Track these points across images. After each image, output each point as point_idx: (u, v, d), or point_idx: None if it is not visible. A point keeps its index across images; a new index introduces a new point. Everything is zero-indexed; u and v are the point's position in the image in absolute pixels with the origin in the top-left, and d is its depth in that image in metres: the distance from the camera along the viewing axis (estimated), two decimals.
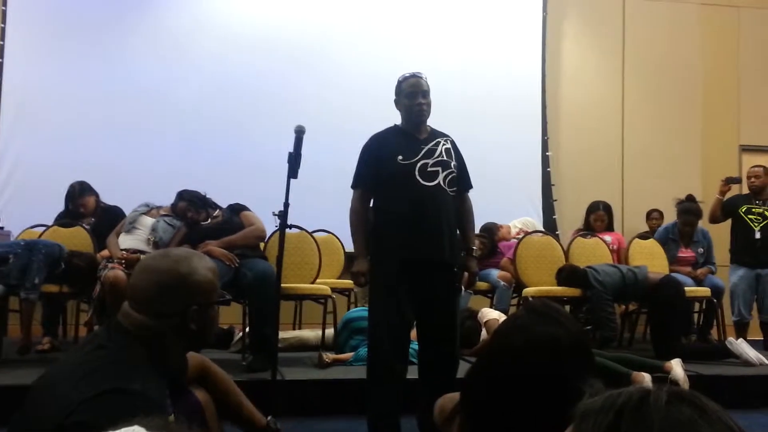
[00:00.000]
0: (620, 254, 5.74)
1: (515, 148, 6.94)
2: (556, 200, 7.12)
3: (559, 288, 5.08)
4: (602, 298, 4.89)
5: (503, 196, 6.44)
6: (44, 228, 5.05)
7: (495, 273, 5.39)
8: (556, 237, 6.13)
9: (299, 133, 3.29)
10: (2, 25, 6.50)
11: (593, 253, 5.50)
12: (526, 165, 7.05)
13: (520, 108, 7.06)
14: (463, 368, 3.45)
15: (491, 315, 4.64)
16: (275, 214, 3.25)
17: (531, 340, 1.33)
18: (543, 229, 6.35)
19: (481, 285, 5.32)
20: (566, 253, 5.49)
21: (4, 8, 6.52)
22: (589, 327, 5.05)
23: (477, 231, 5.04)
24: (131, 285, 1.61)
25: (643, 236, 6.12)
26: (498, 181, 6.41)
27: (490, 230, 5.76)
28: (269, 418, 2.22)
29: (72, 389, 1.33)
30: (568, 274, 5.08)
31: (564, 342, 1.32)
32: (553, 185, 7.14)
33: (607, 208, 6.02)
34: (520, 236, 5.65)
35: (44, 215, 5.28)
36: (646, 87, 7.48)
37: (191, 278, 1.55)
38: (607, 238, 5.78)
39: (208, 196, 4.69)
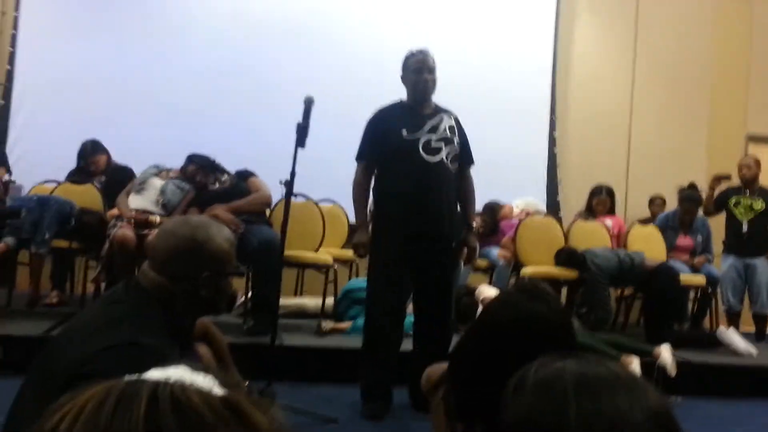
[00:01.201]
0: (620, 239, 5.81)
1: (522, 127, 6.95)
2: (561, 181, 7.16)
3: (557, 269, 5.16)
4: (598, 282, 4.97)
5: (507, 176, 6.48)
6: (56, 184, 5.15)
7: (495, 251, 5.47)
8: (559, 218, 6.19)
9: (308, 103, 3.36)
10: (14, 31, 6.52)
11: (593, 236, 5.56)
12: (532, 145, 7.08)
13: (529, 88, 7.06)
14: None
15: (489, 292, 4.73)
16: (282, 183, 3.33)
17: (517, 316, 1.38)
18: (545, 210, 6.41)
19: (481, 263, 5.41)
20: (566, 235, 5.56)
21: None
22: (584, 309, 5.15)
23: (479, 209, 5.12)
24: (152, 245, 1.70)
25: (645, 222, 6.18)
26: (503, 160, 6.43)
27: (492, 209, 5.82)
28: (247, 383, 2.32)
29: (87, 341, 1.42)
30: (566, 256, 5.16)
31: (548, 320, 1.37)
32: (559, 166, 7.19)
33: (610, 193, 6.06)
34: (522, 216, 5.72)
35: (56, 171, 5.38)
36: (657, 73, 7.47)
37: (207, 246, 1.63)
38: (608, 222, 5.85)
39: (216, 161, 4.76)
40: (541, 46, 7.21)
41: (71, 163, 5.36)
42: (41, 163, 5.77)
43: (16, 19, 6.47)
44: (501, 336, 1.37)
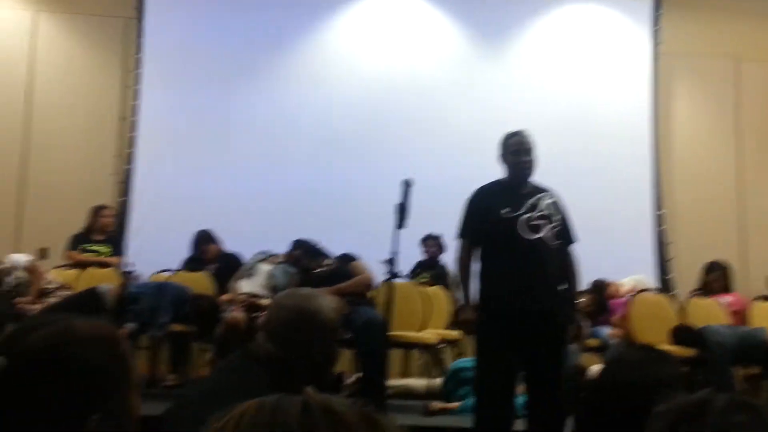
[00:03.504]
0: (740, 316, 5.48)
1: (625, 205, 6.82)
2: (672, 259, 6.90)
3: (674, 347, 4.90)
4: (720, 359, 4.68)
5: (613, 254, 6.30)
6: (172, 272, 5.43)
7: (605, 330, 5.28)
8: (673, 296, 5.94)
9: (407, 185, 3.44)
10: (138, 71, 7.03)
11: (710, 314, 5.27)
12: (636, 223, 6.90)
13: (631, 165, 6.95)
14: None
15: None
16: (383, 262, 3.39)
17: (648, 373, 1.36)
18: (655, 287, 6.16)
19: (591, 342, 5.22)
20: (681, 313, 5.31)
21: (139, 55, 7.05)
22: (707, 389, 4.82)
23: (585, 287, 4.99)
24: (266, 317, 1.79)
25: (765, 298, 5.81)
26: (608, 238, 6.30)
27: (599, 287, 5.65)
28: None
29: (204, 407, 1.48)
30: (683, 334, 4.91)
31: (675, 378, 1.35)
32: (670, 243, 6.94)
33: (725, 269, 5.78)
34: (632, 294, 5.53)
35: (170, 260, 5.68)
36: (765, 145, 7.19)
37: (317, 316, 1.71)
38: (726, 299, 5.55)
39: (320, 245, 4.93)
40: (639, 127, 7.13)
41: (186, 252, 5.67)
42: (158, 253, 6.11)
43: (134, 123, 7.02)
44: (632, 394, 1.34)
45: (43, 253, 6.17)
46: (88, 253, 5.59)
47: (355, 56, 7.17)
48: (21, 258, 5.10)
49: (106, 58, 7.13)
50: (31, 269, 4.99)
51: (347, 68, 7.12)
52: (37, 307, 4.59)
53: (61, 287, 5.02)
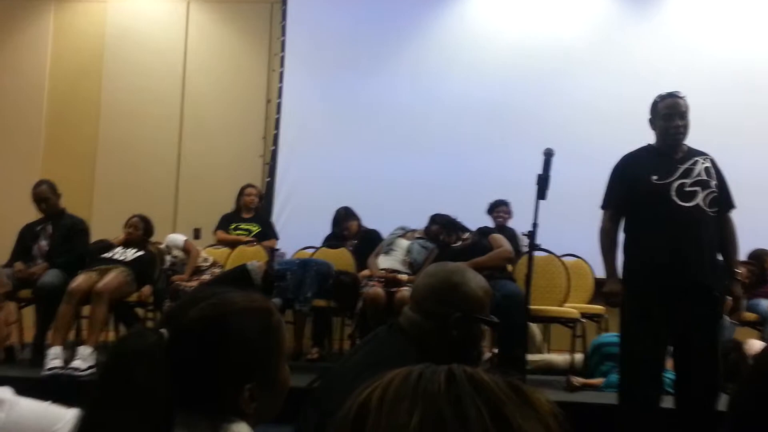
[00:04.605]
0: None
1: None
2: None
3: None
4: None
5: None
6: (314, 249, 5.62)
7: (765, 303, 4.91)
8: None
9: (548, 155, 3.34)
10: (282, 54, 7.30)
11: None
12: None
13: None
14: (726, 403, 3.22)
15: (759, 347, 4.24)
16: (524, 234, 3.33)
17: None
18: None
19: (749, 315, 4.88)
20: None
21: (283, 38, 7.33)
22: None
23: (744, 257, 4.66)
24: (414, 288, 1.82)
25: None
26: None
27: (759, 257, 5.26)
28: None
29: (356, 378, 1.52)
30: None
31: None
32: None
33: None
34: None
35: (312, 237, 5.88)
36: None
37: (461, 287, 1.71)
38: None
39: (458, 219, 4.91)
40: None
41: (327, 230, 5.84)
42: (301, 231, 6.34)
43: (279, 105, 7.28)
44: None
45: (196, 233, 6.59)
46: (239, 232, 5.90)
47: (494, 26, 7.04)
48: (178, 238, 5.45)
49: (253, 43, 7.45)
50: (186, 248, 5.32)
51: (483, 38, 7.01)
52: (192, 284, 4.89)
53: (214, 265, 5.32)
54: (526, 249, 3.40)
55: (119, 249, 5.02)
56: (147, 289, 4.91)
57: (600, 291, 5.14)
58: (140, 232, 5.16)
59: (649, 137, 3.42)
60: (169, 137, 7.30)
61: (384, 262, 4.93)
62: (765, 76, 6.46)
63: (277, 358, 1.14)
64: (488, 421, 0.57)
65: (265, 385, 1.10)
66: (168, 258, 5.28)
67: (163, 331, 1.07)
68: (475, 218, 5.17)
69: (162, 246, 5.37)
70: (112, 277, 4.60)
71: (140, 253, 5.01)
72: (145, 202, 6.25)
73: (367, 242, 5.42)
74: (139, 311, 5.18)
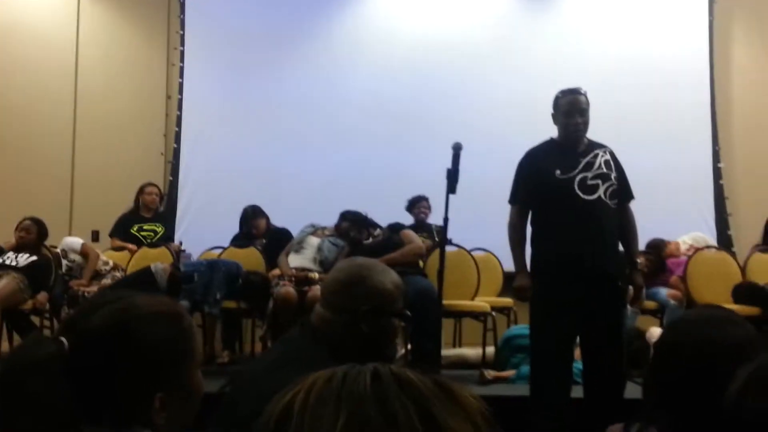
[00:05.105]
0: None
1: (683, 160, 6.58)
2: (730, 214, 6.67)
3: (737, 306, 4.74)
4: None
5: (671, 212, 6.13)
6: (221, 249, 5.47)
7: (664, 291, 5.13)
8: (732, 254, 5.75)
9: (457, 149, 3.35)
10: (182, 48, 7.05)
11: None
12: (695, 178, 6.65)
13: (688, 118, 6.70)
14: (632, 391, 3.33)
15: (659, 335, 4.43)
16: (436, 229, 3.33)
17: (721, 334, 1.29)
18: (716, 245, 5.97)
19: (650, 304, 5.08)
20: (743, 269, 5.14)
21: (182, 32, 7.08)
22: None
23: (642, 247, 4.85)
24: (323, 284, 1.80)
25: None
26: (665, 195, 6.11)
27: (657, 246, 5.49)
28: None
29: (269, 380, 1.46)
30: (746, 292, 4.74)
31: (753, 339, 1.28)
32: (727, 198, 6.70)
33: None
34: (691, 253, 5.37)
35: (219, 237, 5.72)
36: None
37: (368, 280, 1.66)
38: None
39: (368, 216, 4.89)
40: (697, 76, 6.81)
41: (234, 229, 5.70)
42: (207, 231, 6.16)
43: (180, 101, 7.04)
44: (703, 356, 1.27)
45: (95, 236, 6.29)
46: (144, 233, 5.68)
47: (395, 21, 7.03)
48: (75, 241, 5.20)
49: (151, 37, 7.15)
50: (84, 252, 5.08)
51: (388, 35, 6.99)
52: (92, 289, 4.67)
53: (115, 268, 5.10)
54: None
55: (10, 254, 4.77)
56: (43, 296, 4.66)
57: (509, 284, 5.27)
58: (33, 235, 4.89)
59: (553, 131, 3.50)
60: (62, 136, 6.91)
61: (294, 260, 4.84)
62: (661, 73, 6.75)
63: (188, 364, 1.07)
64: (416, 421, 0.55)
65: (177, 393, 1.03)
66: (64, 263, 5.03)
67: (63, 339, 0.98)
68: (385, 214, 5.14)
69: (57, 250, 5.10)
70: (3, 284, 4.38)
71: (33, 258, 4.78)
72: (37, 204, 5.91)
73: (277, 241, 5.31)
74: (35, 320, 4.90)
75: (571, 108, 3.36)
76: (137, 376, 0.99)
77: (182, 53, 7.05)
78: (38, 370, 0.92)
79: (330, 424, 0.55)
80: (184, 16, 7.07)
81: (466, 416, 0.58)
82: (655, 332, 4.53)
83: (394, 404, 0.56)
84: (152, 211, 5.86)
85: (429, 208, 5.75)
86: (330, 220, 5.11)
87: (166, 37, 7.15)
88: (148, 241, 5.62)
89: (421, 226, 5.40)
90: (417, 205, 5.73)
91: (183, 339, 1.07)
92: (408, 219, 5.62)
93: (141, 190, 5.84)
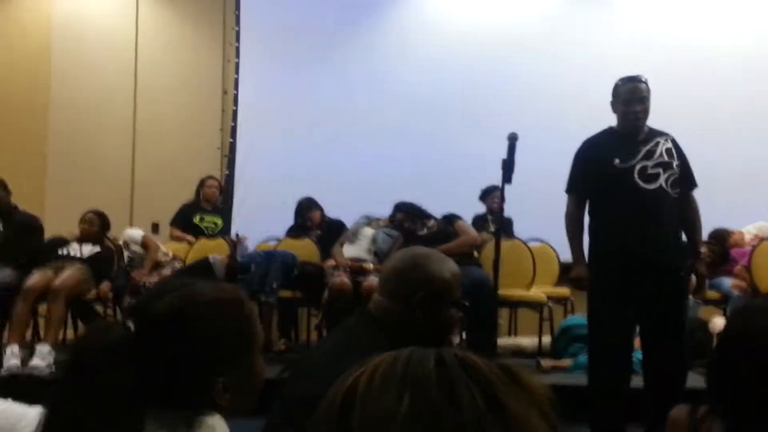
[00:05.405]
0: None
1: (748, 146, 6.37)
2: None
3: None
4: None
5: (735, 201, 5.93)
6: (277, 240, 5.54)
7: (728, 281, 4.99)
8: None
9: (512, 139, 3.31)
10: (237, 44, 7.13)
11: None
12: (760, 166, 6.44)
13: (751, 102, 6.47)
14: (694, 381, 3.26)
15: (723, 325, 4.31)
16: (492, 220, 3.31)
17: None
18: None
19: (713, 294, 4.96)
20: None
21: (237, 28, 7.17)
22: None
23: (705, 237, 4.73)
24: (382, 273, 1.79)
25: None
26: (729, 184, 5.92)
27: (721, 236, 5.35)
28: None
29: (327, 368, 1.47)
30: None
31: None
32: None
33: None
34: (755, 242, 5.21)
35: (275, 228, 5.79)
36: None
37: (425, 268, 1.65)
38: None
39: (422, 207, 4.88)
40: (759, 54, 6.59)
41: (289, 221, 5.76)
42: (263, 224, 6.24)
43: (236, 97, 7.15)
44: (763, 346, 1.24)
45: (155, 228, 6.44)
46: (205, 224, 5.81)
47: (445, 15, 6.98)
48: (136, 232, 5.33)
49: (207, 33, 7.27)
50: (145, 243, 5.20)
51: (437, 28, 6.94)
52: (153, 279, 4.78)
53: (175, 259, 5.21)
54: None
55: (75, 245, 4.90)
56: (106, 286, 4.79)
57: (566, 275, 5.20)
58: (96, 227, 5.03)
59: (610, 120, 3.43)
60: (123, 131, 7.10)
61: (349, 251, 4.87)
62: (720, 63, 6.54)
63: (250, 349, 1.08)
64: (482, 406, 0.54)
65: (240, 377, 1.05)
66: (126, 254, 5.16)
67: (129, 324, 1.00)
68: (439, 205, 5.13)
69: (119, 241, 5.24)
70: (68, 275, 4.49)
71: (97, 249, 4.89)
72: (100, 197, 6.07)
73: (331, 232, 5.36)
74: (99, 309, 5.05)
75: (630, 96, 3.29)
76: (200, 361, 1.01)
77: (237, 49, 7.15)
78: (107, 354, 0.95)
79: (393, 406, 0.54)
80: (239, 12, 7.17)
81: (532, 401, 0.58)
82: (718, 323, 4.42)
83: (458, 387, 0.55)
84: (212, 204, 5.98)
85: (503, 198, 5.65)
86: (384, 211, 5.13)
87: (222, 34, 7.25)
88: (209, 232, 5.74)
89: (493, 216, 5.35)
90: (490, 194, 5.64)
91: (244, 324, 1.08)
92: (479, 207, 5.65)
93: (202, 183, 5.96)
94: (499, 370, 0.58)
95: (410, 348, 0.60)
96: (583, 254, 3.39)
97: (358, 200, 6.00)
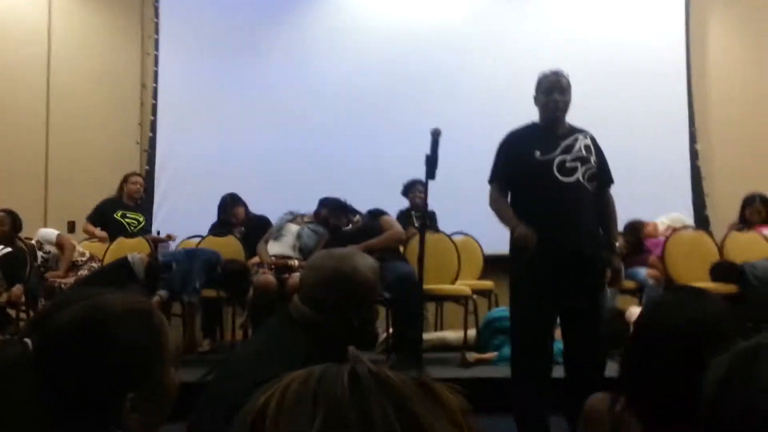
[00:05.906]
0: None
1: (660, 141, 6.63)
2: (707, 195, 6.74)
3: (714, 285, 4.79)
4: (761, 295, 4.57)
5: (649, 193, 6.16)
6: (200, 238, 5.42)
7: (643, 271, 5.17)
8: (710, 233, 5.81)
9: (435, 135, 3.33)
10: (156, 36, 6.97)
11: (750, 248, 5.13)
12: (672, 159, 6.71)
13: (664, 100, 6.74)
14: (613, 369, 3.35)
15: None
16: (416, 215, 3.32)
17: (693, 315, 1.31)
18: (693, 225, 6.02)
19: (628, 284, 5.12)
20: (720, 248, 5.19)
21: (156, 20, 6.99)
22: (749, 325, 4.74)
23: (621, 229, 4.88)
24: (301, 280, 1.76)
25: None
26: (642, 177, 6.15)
27: (635, 227, 5.53)
28: None
29: (250, 372, 1.45)
30: (723, 270, 4.79)
31: (726, 317, 1.32)
32: (704, 179, 6.77)
33: (765, 201, 5.61)
34: (669, 233, 5.41)
35: (197, 226, 5.67)
36: None
37: (354, 276, 1.64)
38: (766, 231, 5.39)
39: (347, 203, 4.86)
40: (673, 59, 6.88)
41: (212, 218, 5.65)
42: (185, 220, 6.10)
43: (155, 90, 6.95)
44: (681, 336, 1.27)
45: (71, 227, 6.21)
46: (127, 220, 5.63)
47: (374, 11, 6.99)
48: (50, 232, 5.12)
49: (125, 25, 7.04)
50: (60, 243, 5.01)
51: (367, 24, 6.95)
52: (69, 280, 4.61)
53: (91, 259, 5.04)
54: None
55: None
56: (17, 289, 4.60)
57: (490, 268, 5.29)
58: (6, 227, 4.82)
59: (533, 116, 3.49)
60: (36, 127, 6.79)
61: (274, 248, 4.81)
62: (639, 58, 6.76)
63: (160, 362, 1.04)
64: (395, 423, 0.54)
65: (150, 392, 1.00)
66: (40, 254, 4.96)
67: (27, 340, 0.94)
68: (367, 195, 5.14)
69: (32, 241, 5.02)
70: None
71: (8, 250, 4.70)
72: (11, 196, 5.82)
73: (256, 229, 5.28)
74: (12, 312, 4.83)
75: (551, 86, 3.37)
76: (108, 377, 0.96)
77: (156, 42, 6.95)
78: (2, 375, 0.89)
79: (306, 425, 0.53)
80: (158, 3, 6.96)
81: (448, 415, 0.57)
82: (634, 311, 4.56)
83: (372, 404, 0.54)
84: (134, 201, 5.80)
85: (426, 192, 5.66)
86: (309, 207, 5.08)
87: (141, 25, 7.04)
88: (132, 229, 5.56)
89: (417, 211, 5.37)
90: (412, 189, 5.65)
91: (154, 337, 1.04)
92: (403, 202, 5.66)
93: (125, 180, 5.79)
94: (415, 386, 0.57)
95: (323, 365, 0.59)
96: (517, 218, 3.37)
97: (282, 195, 5.94)
